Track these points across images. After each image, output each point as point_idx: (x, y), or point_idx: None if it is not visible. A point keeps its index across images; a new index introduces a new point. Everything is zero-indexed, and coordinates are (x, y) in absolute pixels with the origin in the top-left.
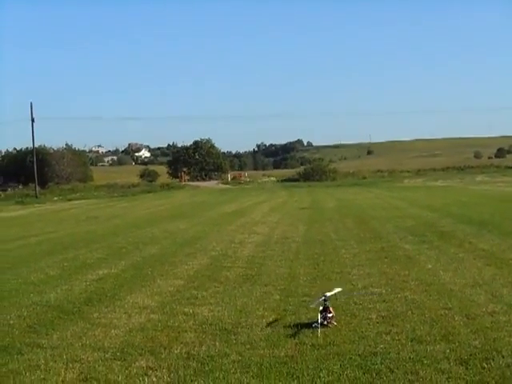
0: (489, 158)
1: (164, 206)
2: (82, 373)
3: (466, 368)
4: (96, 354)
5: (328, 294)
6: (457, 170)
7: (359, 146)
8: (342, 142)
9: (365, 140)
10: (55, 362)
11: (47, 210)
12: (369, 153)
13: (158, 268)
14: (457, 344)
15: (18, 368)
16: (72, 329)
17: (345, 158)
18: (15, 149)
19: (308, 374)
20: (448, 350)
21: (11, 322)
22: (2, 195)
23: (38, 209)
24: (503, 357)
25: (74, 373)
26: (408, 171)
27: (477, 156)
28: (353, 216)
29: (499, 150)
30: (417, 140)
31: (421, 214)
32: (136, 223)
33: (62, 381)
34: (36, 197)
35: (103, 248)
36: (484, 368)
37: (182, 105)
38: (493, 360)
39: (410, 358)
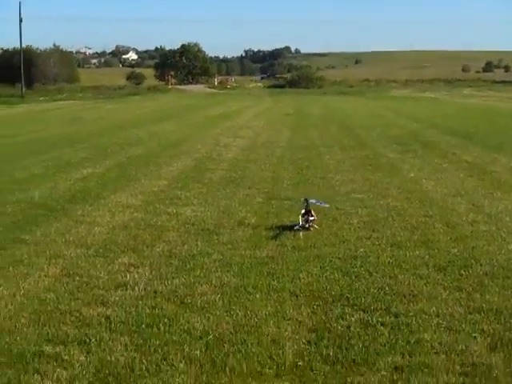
0: (476, 71)
1: (150, 109)
2: (64, 268)
3: (444, 274)
4: (79, 250)
5: (312, 200)
6: (444, 82)
7: (347, 55)
8: (330, 51)
9: (353, 49)
10: (38, 257)
11: (33, 111)
12: (357, 62)
13: (143, 168)
14: (436, 251)
15: (2, 263)
16: (56, 226)
17: (332, 67)
18: (2, 49)
19: (288, 275)
20: (427, 256)
21: None
22: None
23: (24, 109)
24: (481, 265)
25: (57, 268)
26: (395, 81)
27: (465, 69)
28: (338, 123)
29: (487, 63)
30: (405, 51)
31: (406, 124)
32: (122, 125)
33: (45, 275)
34: (22, 97)
35: (88, 148)
36: (462, 275)
37: (171, 7)
38: (471, 267)
39: (389, 262)
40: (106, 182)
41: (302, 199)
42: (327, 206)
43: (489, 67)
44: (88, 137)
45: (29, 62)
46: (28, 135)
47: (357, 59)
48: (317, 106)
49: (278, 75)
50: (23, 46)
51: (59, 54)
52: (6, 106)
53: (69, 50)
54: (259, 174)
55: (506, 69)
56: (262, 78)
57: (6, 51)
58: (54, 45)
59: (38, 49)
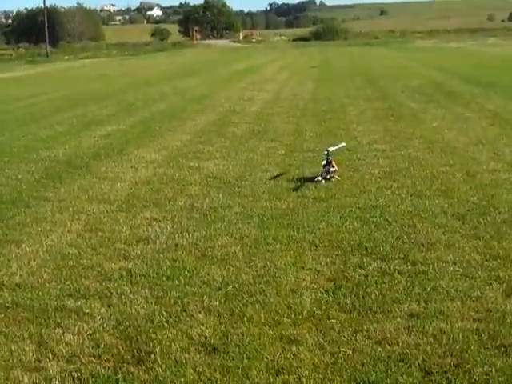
0: (502, 20)
1: (175, 64)
2: (87, 224)
3: (463, 223)
4: (102, 206)
5: (331, 148)
6: (469, 32)
7: (372, 6)
8: (355, 3)
9: (378, 0)
10: (62, 213)
11: (58, 69)
12: (382, 13)
13: (166, 124)
14: (455, 200)
15: (25, 220)
16: (79, 182)
17: (357, 19)
18: (26, 8)
19: (308, 226)
20: (446, 205)
21: (19, 176)
22: (14, 55)
23: (49, 68)
24: (500, 213)
25: (79, 224)
26: (420, 32)
27: (490, 19)
28: (362, 75)
29: None
30: (430, 1)
31: (430, 75)
32: (146, 81)
33: (68, 231)
34: (47, 56)
35: (112, 105)
36: (480, 223)
37: None
38: (489, 215)
39: (408, 211)
40: (130, 138)
41: (325, 151)
42: (343, 144)
43: None
44: (113, 94)
45: (53, 20)
46: (53, 93)
47: (382, 10)
48: (341, 58)
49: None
50: (47, 5)
51: (83, 12)
52: (32, 65)
53: (93, 7)
54: (282, 126)
55: None
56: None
57: (30, 11)
58: (78, 3)
59: (61, 7)
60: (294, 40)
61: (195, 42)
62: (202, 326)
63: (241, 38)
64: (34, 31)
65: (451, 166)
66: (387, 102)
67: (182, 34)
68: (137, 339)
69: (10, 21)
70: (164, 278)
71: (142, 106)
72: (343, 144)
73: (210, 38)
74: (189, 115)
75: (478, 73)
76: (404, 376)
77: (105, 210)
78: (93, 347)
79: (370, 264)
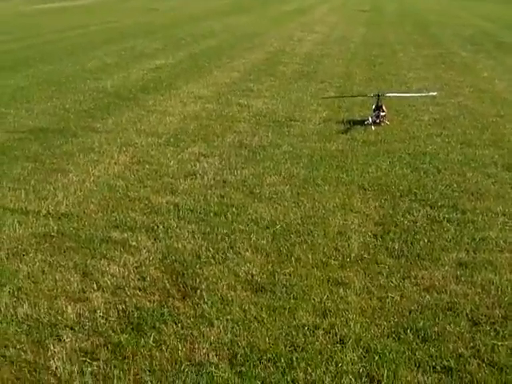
0: None
1: (225, 1)
2: (135, 156)
3: None
4: (150, 139)
5: (388, 94)
6: None
7: None
8: None
9: None
10: (109, 145)
11: (109, 1)
12: None
13: (215, 60)
14: (505, 150)
15: (72, 150)
16: (127, 114)
17: None
18: None
19: (357, 169)
20: (496, 156)
21: (67, 106)
22: None
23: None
24: None
25: (127, 156)
26: None
27: None
28: (413, 21)
29: None
30: None
31: (481, 24)
32: (196, 16)
33: (115, 163)
34: None
35: (162, 39)
36: None
37: None
38: None
39: (458, 160)
40: (179, 72)
41: (372, 94)
42: (435, 93)
43: None
44: (162, 28)
45: None
46: (103, 25)
47: None
48: (392, 2)
49: None
50: None
51: None
52: None
53: None
54: (332, 68)
55: None
56: None
57: None
58: None
59: None
60: None
61: None
62: (248, 264)
63: None
64: None
65: (502, 117)
66: (438, 49)
67: None
68: (183, 274)
69: None
70: (211, 214)
71: (191, 42)
72: (435, 93)
73: None
74: (238, 53)
75: None
76: (451, 325)
77: (153, 143)
78: (138, 280)
79: (419, 210)
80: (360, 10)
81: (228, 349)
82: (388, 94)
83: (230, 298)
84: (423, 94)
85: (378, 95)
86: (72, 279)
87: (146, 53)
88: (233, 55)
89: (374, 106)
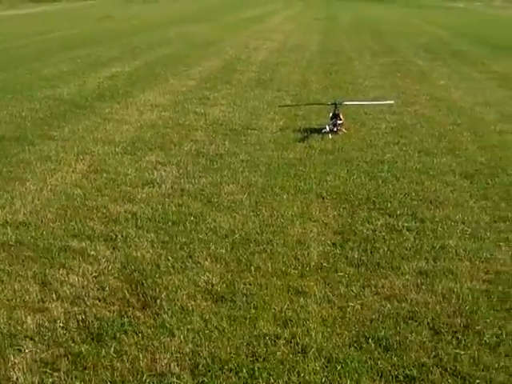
0: None
1: (179, 10)
2: (92, 164)
3: (471, 182)
4: (107, 147)
5: (345, 102)
6: None
7: None
8: None
9: None
10: (66, 153)
11: (63, 8)
12: None
13: (171, 68)
14: (463, 159)
15: (29, 158)
16: (84, 123)
17: None
18: None
19: (315, 177)
20: (454, 164)
21: (23, 114)
22: None
23: (54, 7)
24: (508, 175)
25: (84, 164)
26: None
27: None
28: (368, 30)
29: None
30: None
31: (436, 33)
32: (152, 24)
33: (73, 171)
34: None
35: (118, 46)
36: (489, 184)
37: None
38: (498, 177)
39: (416, 168)
40: (135, 80)
41: (329, 102)
42: (392, 102)
43: None
44: (117, 35)
45: None
46: (59, 32)
47: None
48: (347, 11)
49: None
50: None
51: None
52: (37, 3)
53: None
54: (288, 76)
55: None
56: None
57: None
58: None
59: None
60: None
61: None
62: (208, 274)
63: None
64: None
65: (458, 125)
66: (393, 57)
67: None
68: (142, 284)
69: None
70: (170, 223)
71: (147, 49)
72: (392, 102)
73: None
74: (194, 61)
75: (484, 33)
76: (413, 334)
77: (110, 152)
78: (98, 290)
79: (378, 219)
80: (315, 19)
81: (189, 359)
82: (346, 103)
83: (190, 308)
84: (380, 103)
85: (336, 103)
86: (31, 289)
87: (102, 60)
88: (189, 63)
89: (331, 114)
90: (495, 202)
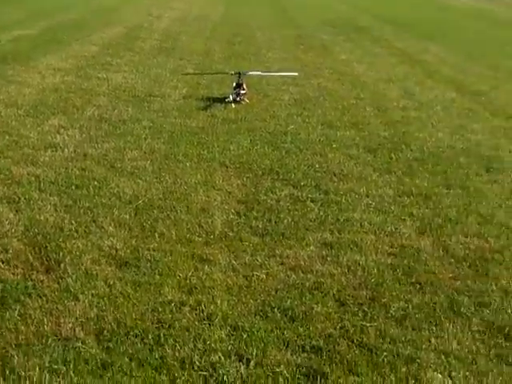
0: None
1: None
2: None
3: (374, 156)
4: (9, 109)
5: (250, 72)
6: None
7: None
8: None
9: None
10: None
11: None
12: None
13: (73, 33)
14: (366, 133)
15: None
16: None
17: None
18: None
19: (218, 146)
20: (357, 138)
21: None
22: None
23: None
24: (411, 150)
25: None
26: None
27: None
28: (271, 2)
29: None
30: None
31: (341, 9)
32: None
33: None
34: None
35: (20, 9)
36: (392, 158)
37: None
38: (401, 152)
39: (319, 140)
40: (37, 44)
41: (233, 72)
42: (296, 74)
43: None
44: None
45: None
46: None
47: None
48: None
49: None
50: None
51: None
52: None
53: None
54: (191, 46)
55: None
56: None
57: None
58: None
59: None
60: None
61: None
62: (112, 239)
63: None
64: None
65: (361, 100)
66: (297, 30)
67: None
68: (46, 247)
69: None
70: (73, 187)
71: (48, 14)
72: (296, 74)
73: None
74: (96, 26)
75: (388, 11)
76: (319, 305)
77: (12, 114)
78: (1, 252)
79: (282, 190)
80: None
81: (94, 324)
82: (250, 73)
83: (94, 273)
84: (285, 74)
85: (239, 73)
86: None
87: (4, 24)
88: (91, 29)
89: (234, 84)
90: (398, 176)
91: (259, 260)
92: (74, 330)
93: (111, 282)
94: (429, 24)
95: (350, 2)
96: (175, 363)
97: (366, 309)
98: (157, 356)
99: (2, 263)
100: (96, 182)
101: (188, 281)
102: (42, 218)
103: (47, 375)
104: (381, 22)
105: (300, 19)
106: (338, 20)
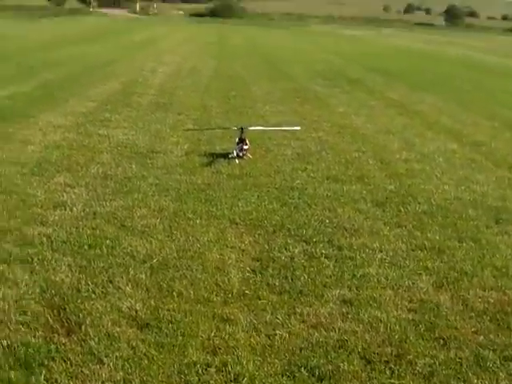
0: (397, 12)
1: (73, 31)
2: (0, 186)
3: (383, 210)
4: (13, 168)
5: (250, 127)
6: (365, 21)
7: None
8: None
9: None
10: None
11: None
12: None
13: (70, 89)
14: (372, 186)
15: None
16: None
17: None
18: None
19: (226, 202)
20: (364, 192)
21: None
22: None
23: None
24: (419, 203)
25: None
26: (317, 17)
27: (386, 9)
28: (262, 55)
29: (409, 5)
30: None
31: (330, 60)
32: (46, 44)
33: None
34: None
35: (12, 66)
36: (401, 212)
37: None
38: (409, 205)
39: (326, 195)
40: (34, 101)
41: (235, 127)
42: (298, 128)
43: (410, 9)
44: (12, 55)
45: None
46: None
47: None
48: (239, 36)
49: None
50: None
51: None
52: None
53: None
54: (187, 100)
55: (427, 11)
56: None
57: None
58: None
59: None
60: (190, 15)
61: (91, 9)
62: (130, 300)
63: (138, 9)
64: None
65: (363, 153)
66: (291, 83)
67: (78, 0)
68: (64, 309)
69: None
70: (86, 247)
71: (42, 70)
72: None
73: (106, 7)
74: (92, 82)
75: (377, 62)
76: (345, 363)
77: (17, 173)
78: (20, 314)
79: (295, 246)
80: (208, 43)
81: None
82: (252, 128)
83: (116, 335)
84: (287, 128)
85: (242, 128)
86: None
87: None
88: (87, 84)
89: (237, 139)
90: (409, 230)
91: (280, 318)
92: None
93: (134, 344)
94: (418, 74)
95: (338, 53)
96: None
97: (392, 366)
98: None
99: (22, 326)
100: (108, 241)
101: (211, 341)
102: (57, 278)
103: None
104: (371, 73)
105: (291, 71)
106: (329, 71)
